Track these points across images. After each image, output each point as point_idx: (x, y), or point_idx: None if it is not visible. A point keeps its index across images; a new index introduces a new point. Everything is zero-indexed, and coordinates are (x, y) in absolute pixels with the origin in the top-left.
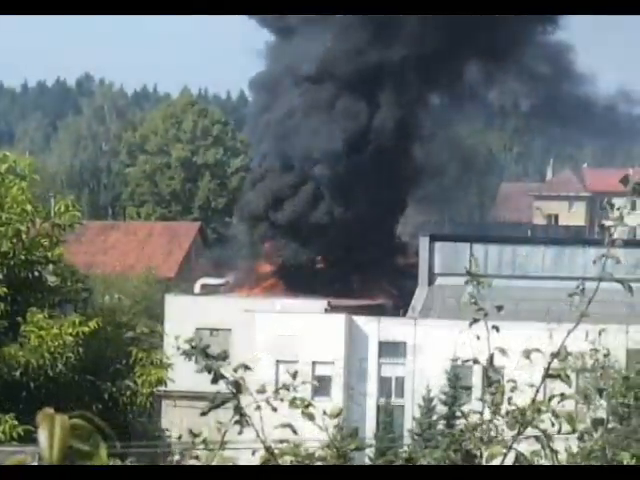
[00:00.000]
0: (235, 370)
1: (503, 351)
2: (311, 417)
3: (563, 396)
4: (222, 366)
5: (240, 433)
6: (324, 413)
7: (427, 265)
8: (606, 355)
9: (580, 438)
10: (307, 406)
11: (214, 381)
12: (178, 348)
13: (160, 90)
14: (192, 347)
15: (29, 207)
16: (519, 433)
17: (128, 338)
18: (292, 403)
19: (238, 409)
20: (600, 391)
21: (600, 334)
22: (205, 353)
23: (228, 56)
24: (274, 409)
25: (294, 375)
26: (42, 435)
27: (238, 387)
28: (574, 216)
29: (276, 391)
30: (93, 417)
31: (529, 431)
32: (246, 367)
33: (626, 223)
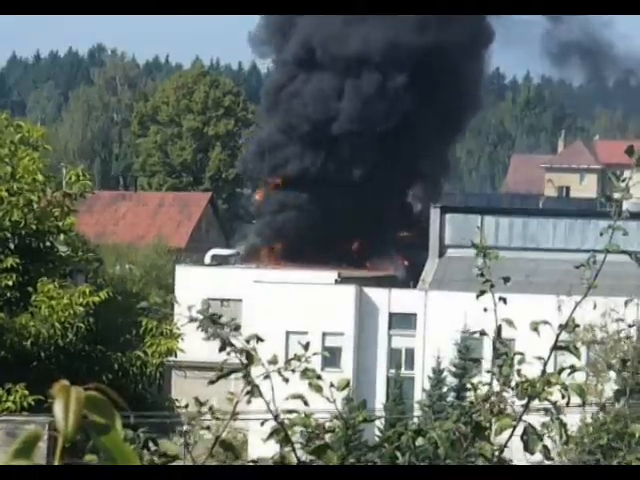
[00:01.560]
0: (247, 341)
1: (510, 322)
2: (318, 389)
3: (573, 368)
4: (234, 336)
5: (249, 403)
6: (331, 385)
7: (438, 237)
8: (631, 325)
9: (602, 408)
10: (317, 378)
11: (222, 349)
12: (191, 318)
13: (172, 61)
14: (203, 316)
15: (40, 177)
16: (527, 405)
17: (140, 308)
18: (303, 374)
19: (248, 379)
20: (624, 362)
21: (626, 305)
22: (213, 320)
23: (240, 27)
24: (285, 380)
25: (306, 346)
26: (57, 407)
27: (249, 357)
28: (586, 188)
29: (287, 362)
30: (108, 389)
31: (539, 403)
32: (258, 338)
33: (631, 194)
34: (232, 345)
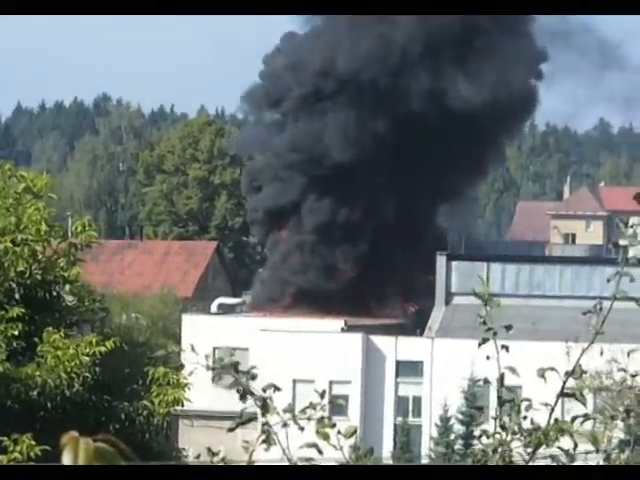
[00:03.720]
0: (264, 390)
1: (514, 370)
2: (326, 437)
3: (586, 416)
4: (250, 385)
5: (267, 450)
6: (339, 433)
7: (444, 284)
8: (634, 375)
9: (607, 459)
10: (332, 426)
11: (242, 397)
12: (212, 367)
13: (177, 110)
14: (220, 364)
15: (44, 227)
16: (534, 452)
17: (149, 357)
18: (319, 422)
19: (265, 427)
20: (627, 412)
21: (629, 355)
22: (236, 369)
23: (245, 76)
24: (301, 428)
25: (322, 394)
26: (67, 458)
27: (266, 406)
28: (592, 235)
29: (302, 411)
30: (116, 440)
31: (546, 451)
32: (275, 388)
33: (639, 241)
34: (253, 394)
